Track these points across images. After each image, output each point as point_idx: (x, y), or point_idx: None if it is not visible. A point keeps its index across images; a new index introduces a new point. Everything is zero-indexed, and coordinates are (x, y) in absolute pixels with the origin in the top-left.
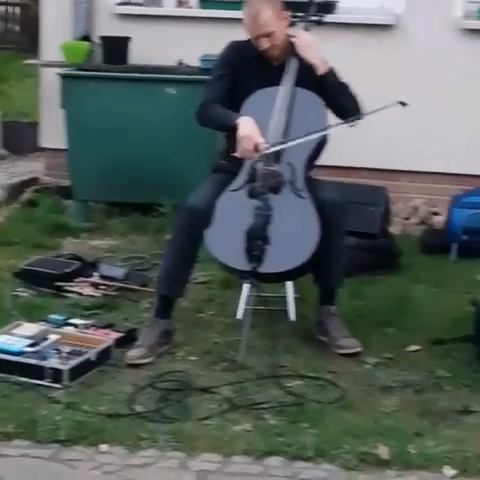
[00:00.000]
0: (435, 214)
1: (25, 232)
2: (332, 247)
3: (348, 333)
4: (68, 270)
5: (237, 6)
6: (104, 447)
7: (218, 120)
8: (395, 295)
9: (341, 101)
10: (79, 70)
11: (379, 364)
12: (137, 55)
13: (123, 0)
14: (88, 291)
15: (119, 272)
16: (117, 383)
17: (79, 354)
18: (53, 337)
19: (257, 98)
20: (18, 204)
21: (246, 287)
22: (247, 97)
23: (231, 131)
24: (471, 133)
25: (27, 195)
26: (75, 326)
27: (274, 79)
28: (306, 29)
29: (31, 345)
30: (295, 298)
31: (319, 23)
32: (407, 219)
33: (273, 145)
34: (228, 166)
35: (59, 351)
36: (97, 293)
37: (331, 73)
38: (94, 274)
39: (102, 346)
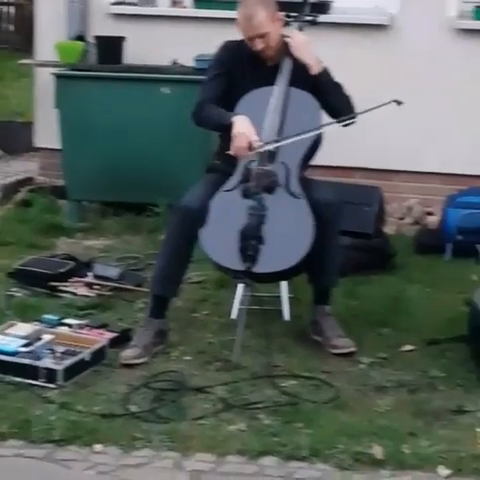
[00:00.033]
0: (429, 214)
1: (19, 232)
2: (326, 247)
3: (342, 333)
4: (62, 270)
5: (232, 6)
6: (98, 447)
7: (214, 119)
8: (389, 295)
9: (334, 101)
10: (73, 70)
11: (373, 364)
12: (131, 55)
13: (117, 0)
14: (82, 291)
15: (113, 272)
16: (111, 383)
17: (73, 354)
18: (47, 337)
19: (251, 98)
20: (12, 204)
21: (240, 287)
22: (242, 97)
23: (226, 130)
24: (465, 133)
25: (21, 195)
26: (69, 326)
27: (269, 79)
28: (300, 29)
29: (25, 345)
30: (289, 298)
31: (313, 23)
32: (401, 219)
33: (267, 143)
34: (222, 166)
35: (53, 351)
36: (91, 293)
37: (325, 73)
38: (88, 274)
39: (96, 346)
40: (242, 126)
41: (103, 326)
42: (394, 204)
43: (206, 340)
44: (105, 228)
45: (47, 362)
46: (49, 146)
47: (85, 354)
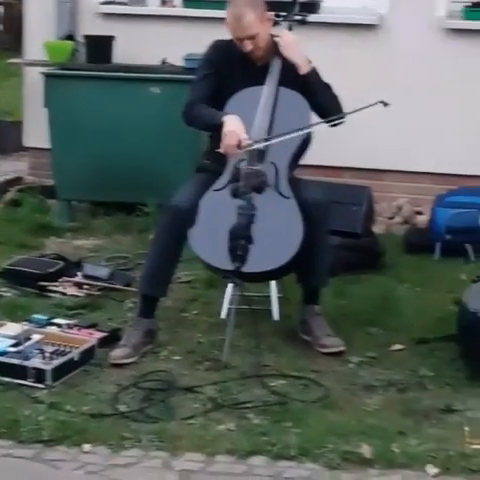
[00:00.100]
0: (419, 213)
1: (9, 232)
2: (316, 246)
3: (332, 332)
4: (52, 270)
5: (221, 5)
6: (87, 447)
7: (204, 119)
8: (379, 294)
9: (323, 101)
10: (63, 69)
11: (362, 363)
12: (121, 54)
13: None
14: (72, 291)
15: (103, 272)
16: (100, 383)
17: (62, 354)
18: (36, 337)
19: (241, 97)
20: (1, 204)
21: (230, 287)
22: (231, 96)
23: (217, 130)
24: (455, 133)
25: (11, 195)
26: (58, 326)
27: (258, 78)
28: (290, 28)
29: (14, 345)
30: (279, 297)
31: (303, 23)
32: (391, 218)
33: (256, 141)
34: (212, 166)
35: (42, 351)
36: (81, 293)
37: (314, 73)
38: (78, 274)
39: (85, 346)
40: (232, 125)
41: (92, 326)
42: (384, 203)
43: (195, 340)
44: (94, 228)
45: (36, 362)
46: (38, 146)
47: (74, 354)
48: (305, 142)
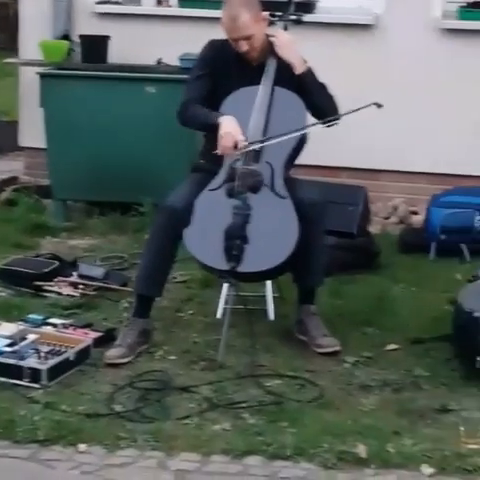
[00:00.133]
0: (414, 213)
1: (4, 231)
2: (311, 246)
3: (327, 332)
4: (47, 270)
5: (216, 5)
6: (83, 447)
7: (200, 119)
8: (374, 294)
9: (318, 101)
10: (58, 69)
11: (358, 363)
12: (116, 54)
13: None
14: (67, 291)
15: (98, 272)
16: (96, 383)
17: (58, 354)
18: (32, 337)
19: (237, 97)
20: None
21: (225, 286)
22: (227, 96)
23: (212, 130)
24: (450, 133)
25: (6, 194)
26: (54, 326)
27: (254, 78)
28: (285, 28)
29: (10, 345)
30: (274, 297)
31: (298, 22)
32: (387, 218)
33: (252, 143)
34: (207, 165)
35: (38, 351)
36: (76, 293)
37: (309, 73)
38: (73, 274)
39: (81, 346)
40: (228, 126)
41: (88, 326)
42: (379, 203)
43: (191, 340)
44: (90, 227)
45: (31, 362)
46: (34, 145)
47: (70, 354)
48: (301, 142)
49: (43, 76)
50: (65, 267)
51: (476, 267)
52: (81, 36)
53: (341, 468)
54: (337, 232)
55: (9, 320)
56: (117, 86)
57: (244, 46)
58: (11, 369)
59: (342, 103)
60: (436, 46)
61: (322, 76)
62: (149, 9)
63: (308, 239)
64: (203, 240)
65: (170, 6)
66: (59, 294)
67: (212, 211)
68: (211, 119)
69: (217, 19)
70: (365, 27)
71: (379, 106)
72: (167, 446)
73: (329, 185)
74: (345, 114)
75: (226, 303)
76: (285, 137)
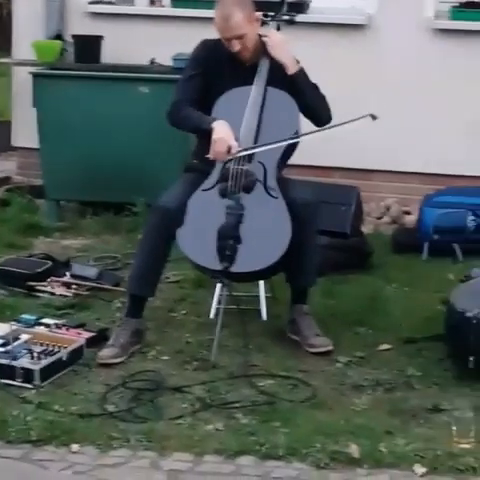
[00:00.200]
0: (407, 213)
1: None
2: (304, 246)
3: (320, 332)
4: (40, 270)
5: (209, 5)
6: (75, 447)
7: (192, 123)
8: (367, 294)
9: (310, 101)
10: (51, 69)
11: (350, 363)
12: (109, 54)
13: None
14: (60, 291)
15: (91, 272)
16: (89, 383)
17: (50, 354)
18: (24, 337)
19: (229, 97)
20: None
21: (218, 286)
22: (219, 96)
23: (203, 134)
24: (443, 133)
25: None
26: (47, 326)
27: (247, 78)
28: (278, 28)
29: (2, 345)
30: (267, 297)
31: (291, 22)
32: (379, 218)
33: (245, 149)
34: (200, 165)
35: (31, 351)
36: (69, 293)
37: (301, 73)
38: (66, 274)
39: (74, 346)
40: (221, 131)
41: (80, 326)
42: (372, 203)
43: (184, 339)
44: (83, 228)
45: (24, 362)
46: (27, 145)
47: (62, 354)
48: (293, 142)
49: (36, 76)
50: (58, 267)
51: (468, 267)
52: (74, 36)
53: (333, 468)
54: (330, 232)
55: (2, 320)
56: (110, 86)
57: (237, 46)
58: (4, 369)
59: (335, 103)
60: (428, 46)
61: (315, 76)
62: (142, 9)
63: (301, 239)
64: (196, 240)
65: (163, 6)
66: (52, 294)
67: (205, 211)
68: (205, 123)
69: (210, 19)
70: (358, 27)
71: (374, 118)
72: (160, 446)
73: (322, 185)
74: (340, 125)
75: (219, 303)
76: (279, 144)
